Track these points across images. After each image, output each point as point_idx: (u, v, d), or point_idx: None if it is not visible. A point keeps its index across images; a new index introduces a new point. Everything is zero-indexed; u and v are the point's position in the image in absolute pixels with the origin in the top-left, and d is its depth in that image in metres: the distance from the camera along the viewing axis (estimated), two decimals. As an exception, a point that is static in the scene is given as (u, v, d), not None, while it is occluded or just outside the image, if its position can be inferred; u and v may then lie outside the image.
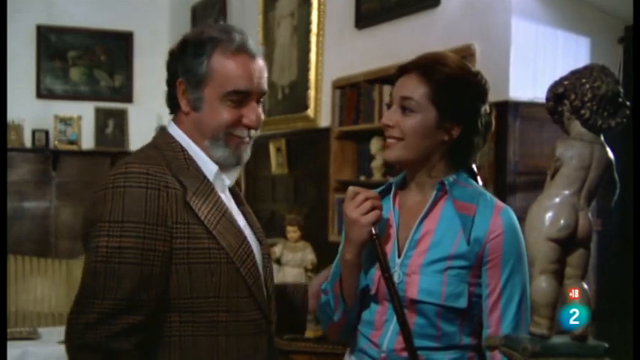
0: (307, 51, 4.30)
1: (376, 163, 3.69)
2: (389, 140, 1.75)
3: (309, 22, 4.28)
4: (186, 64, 1.70)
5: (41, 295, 5.56)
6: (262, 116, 1.75)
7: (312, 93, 4.28)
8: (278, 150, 4.52)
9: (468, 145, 1.75)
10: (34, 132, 6.33)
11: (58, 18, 6.36)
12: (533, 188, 2.88)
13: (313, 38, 4.24)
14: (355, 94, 3.86)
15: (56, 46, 6.44)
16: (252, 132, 1.73)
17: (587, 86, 1.20)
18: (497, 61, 2.91)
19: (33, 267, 5.75)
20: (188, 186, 1.65)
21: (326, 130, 4.11)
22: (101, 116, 6.62)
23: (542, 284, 1.20)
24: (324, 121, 4.20)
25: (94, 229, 1.59)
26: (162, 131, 1.77)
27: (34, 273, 5.88)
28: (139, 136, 6.45)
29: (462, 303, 1.67)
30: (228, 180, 1.78)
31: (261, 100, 1.75)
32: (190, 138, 1.72)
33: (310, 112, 4.29)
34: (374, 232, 1.68)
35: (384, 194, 1.83)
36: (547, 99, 1.25)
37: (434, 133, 1.70)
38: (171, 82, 1.73)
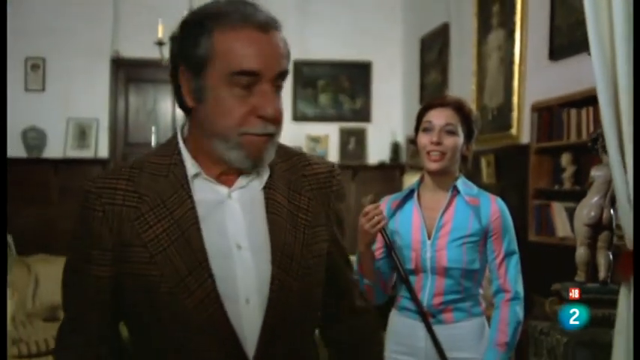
0: (511, 79, 4.71)
1: (566, 174, 4.06)
2: (434, 155, 2.34)
3: (512, 55, 4.71)
4: (184, 47, 1.37)
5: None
6: (281, 108, 1.38)
7: (515, 114, 4.67)
8: (488, 163, 4.98)
9: (467, 157, 2.45)
10: None
11: (311, 53, 6.99)
12: None
13: (516, 68, 4.66)
14: (549, 115, 4.24)
15: (308, 77, 7.14)
16: (277, 119, 1.37)
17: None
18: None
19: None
20: (150, 201, 1.39)
21: (526, 146, 4.47)
22: (344, 135, 7.19)
23: (581, 251, 2.02)
24: (525, 138, 4.55)
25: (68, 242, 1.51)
26: (174, 133, 1.49)
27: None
28: (377, 150, 7.13)
29: (476, 265, 2.35)
30: (241, 181, 1.44)
31: (278, 82, 1.38)
32: (196, 138, 1.43)
33: (514, 130, 4.68)
34: (386, 232, 2.28)
35: (408, 196, 2.47)
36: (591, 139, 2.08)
37: (460, 150, 2.37)
38: (174, 74, 1.41)
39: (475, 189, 2.43)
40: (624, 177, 1.86)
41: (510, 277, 2.36)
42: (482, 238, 2.36)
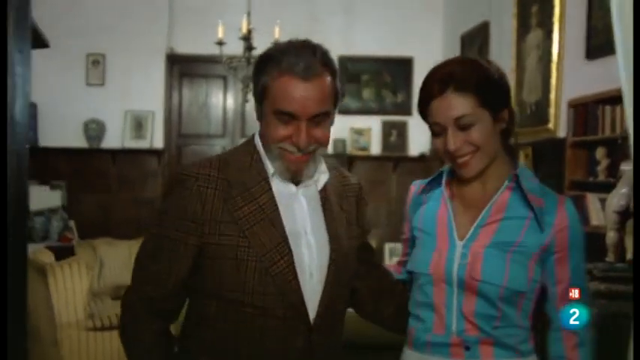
0: (549, 76, 4.86)
1: (601, 167, 4.16)
2: (461, 160, 1.71)
3: (550, 53, 4.87)
4: (254, 77, 1.71)
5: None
6: (321, 135, 1.67)
7: (552, 110, 4.81)
8: (526, 156, 5.10)
9: (512, 120, 1.78)
10: (334, 141, 7.06)
11: (355, 49, 7.16)
12: None
13: (554, 66, 4.80)
14: (585, 111, 4.34)
15: (352, 72, 7.23)
16: (308, 147, 1.66)
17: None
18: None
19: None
20: (238, 187, 1.68)
21: (563, 140, 4.60)
22: (386, 127, 7.30)
23: (611, 235, 2.34)
24: (562, 132, 4.67)
25: (152, 219, 1.80)
26: (252, 135, 1.80)
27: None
28: (417, 142, 7.20)
29: (523, 286, 1.68)
30: (294, 187, 1.74)
31: (317, 119, 1.64)
32: (263, 143, 1.73)
33: (551, 125, 4.82)
34: None
35: (433, 183, 1.87)
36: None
37: (495, 128, 1.72)
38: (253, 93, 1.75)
39: (539, 184, 1.78)
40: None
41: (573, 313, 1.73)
42: (539, 252, 1.71)
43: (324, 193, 1.80)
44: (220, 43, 5.48)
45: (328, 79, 1.67)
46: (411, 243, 1.91)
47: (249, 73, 6.06)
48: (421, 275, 1.78)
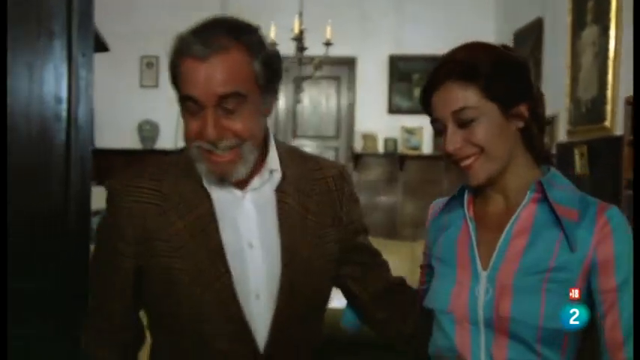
0: (605, 73, 4.78)
1: None
2: (465, 163, 1.43)
3: (607, 50, 4.79)
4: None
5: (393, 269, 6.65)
6: (238, 126, 1.41)
7: (608, 107, 4.73)
8: (582, 155, 5.04)
9: (539, 120, 1.47)
10: (385, 140, 7.15)
11: (405, 48, 7.16)
12: None
13: (610, 63, 4.72)
14: None
15: (403, 71, 7.20)
16: (222, 142, 1.41)
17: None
18: None
19: (383, 246, 6.86)
20: (173, 198, 1.49)
21: (620, 138, 4.51)
22: None
23: None
24: (619, 130, 4.59)
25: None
26: None
27: (384, 251, 6.98)
28: None
29: (565, 323, 1.35)
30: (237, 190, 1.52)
31: (228, 105, 1.40)
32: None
33: (607, 123, 4.73)
34: None
35: (454, 202, 1.57)
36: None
37: (507, 126, 1.42)
38: None
39: (573, 192, 1.45)
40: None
41: (624, 328, 1.36)
42: (580, 276, 1.37)
43: (281, 194, 1.54)
44: (273, 44, 5.50)
45: (239, 55, 1.41)
46: (429, 271, 1.63)
47: (301, 73, 6.10)
48: (440, 313, 1.47)
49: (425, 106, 1.50)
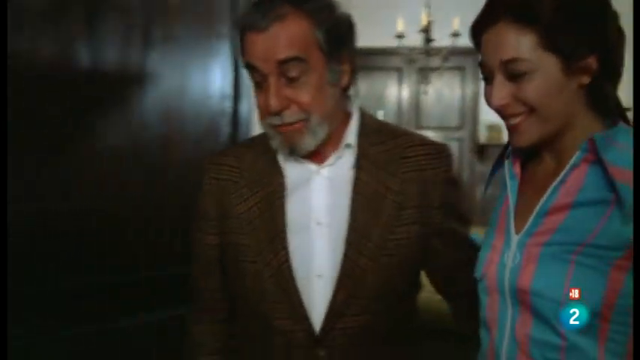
0: None
1: None
2: (512, 122, 1.22)
3: None
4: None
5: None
6: (302, 96, 1.36)
7: None
8: None
9: (614, 71, 1.20)
10: (488, 128, 6.91)
11: None
12: None
13: None
14: None
15: None
16: (285, 113, 1.37)
17: None
18: None
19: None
20: (249, 175, 1.49)
21: None
22: None
23: None
24: None
25: None
26: None
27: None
28: None
29: (596, 304, 1.12)
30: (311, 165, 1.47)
31: (290, 73, 1.35)
32: None
33: None
34: None
35: (501, 161, 1.39)
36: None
37: (567, 83, 1.17)
38: None
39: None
40: None
41: None
42: (626, 254, 1.11)
43: (358, 171, 1.44)
44: (400, 36, 5.56)
45: (299, 21, 1.36)
46: None
47: (427, 64, 6.12)
48: (479, 282, 1.32)
49: (475, 44, 1.26)
